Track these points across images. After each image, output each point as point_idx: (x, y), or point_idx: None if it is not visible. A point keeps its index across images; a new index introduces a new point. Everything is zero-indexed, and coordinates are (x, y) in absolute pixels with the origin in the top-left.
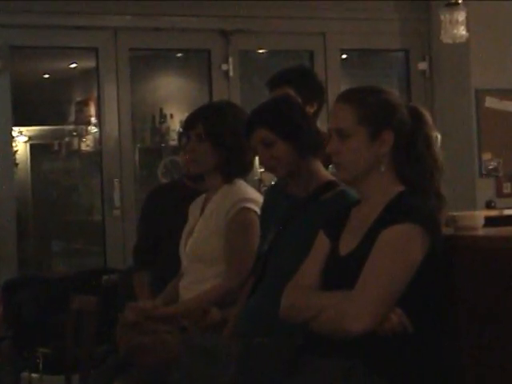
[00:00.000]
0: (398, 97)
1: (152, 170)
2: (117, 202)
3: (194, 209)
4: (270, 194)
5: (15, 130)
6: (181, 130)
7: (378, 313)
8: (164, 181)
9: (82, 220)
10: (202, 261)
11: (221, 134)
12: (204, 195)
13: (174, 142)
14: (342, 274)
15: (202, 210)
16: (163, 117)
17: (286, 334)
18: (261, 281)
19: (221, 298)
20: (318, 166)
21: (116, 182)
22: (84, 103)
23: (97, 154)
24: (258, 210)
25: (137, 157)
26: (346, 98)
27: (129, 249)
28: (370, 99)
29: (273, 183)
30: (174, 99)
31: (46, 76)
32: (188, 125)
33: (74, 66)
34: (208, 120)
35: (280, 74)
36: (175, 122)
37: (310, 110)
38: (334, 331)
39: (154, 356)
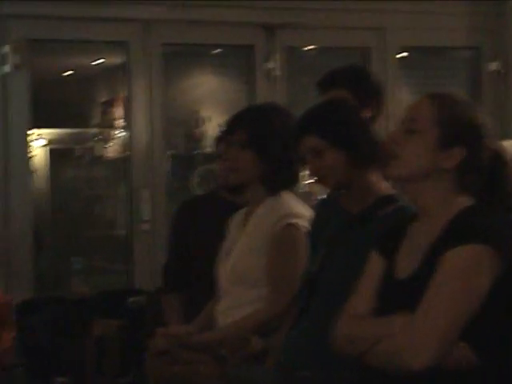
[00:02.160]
0: (487, 119)
1: (185, 179)
2: (145, 215)
3: (233, 224)
4: (321, 209)
5: (33, 133)
6: (219, 134)
7: (442, 346)
8: (198, 192)
9: (105, 235)
10: (242, 282)
11: (266, 141)
12: (245, 209)
13: (210, 149)
14: (401, 299)
15: (243, 225)
16: (198, 120)
17: (335, 367)
18: (308, 306)
19: (262, 324)
20: (376, 177)
21: (145, 192)
22: (110, 104)
23: (124, 161)
24: (306, 226)
25: (168, 165)
26: (434, 96)
27: (158, 268)
28: (459, 108)
29: (324, 197)
30: (211, 101)
31: (69, 73)
32: (229, 129)
33: (99, 62)
34: (252, 125)
35: (333, 73)
36: (212, 127)
37: (367, 114)
38: (392, 366)
39: None
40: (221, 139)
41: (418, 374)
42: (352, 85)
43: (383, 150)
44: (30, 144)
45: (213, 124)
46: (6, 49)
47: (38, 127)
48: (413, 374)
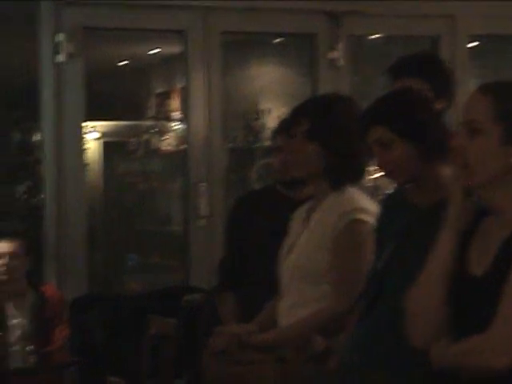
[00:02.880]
0: None
1: (244, 173)
2: (203, 210)
3: (296, 220)
4: (388, 204)
5: (86, 126)
6: (278, 126)
7: None
8: (257, 186)
9: (161, 230)
10: (305, 280)
11: (331, 133)
12: (307, 204)
13: (269, 143)
14: (477, 296)
15: (306, 221)
16: (258, 113)
17: (404, 367)
18: (374, 304)
19: (326, 323)
20: (445, 171)
21: (202, 186)
22: (166, 95)
23: (180, 155)
24: (372, 221)
25: (226, 158)
26: (487, 89)
27: (215, 265)
28: None
29: (391, 191)
30: (271, 92)
31: (123, 63)
32: (292, 120)
33: (155, 51)
34: (316, 115)
35: (406, 60)
36: (272, 119)
37: (438, 106)
38: (472, 366)
39: None
40: (279, 131)
41: (498, 374)
42: (426, 74)
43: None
44: (84, 137)
45: (272, 116)
46: (61, 37)
47: (92, 119)
48: (493, 374)
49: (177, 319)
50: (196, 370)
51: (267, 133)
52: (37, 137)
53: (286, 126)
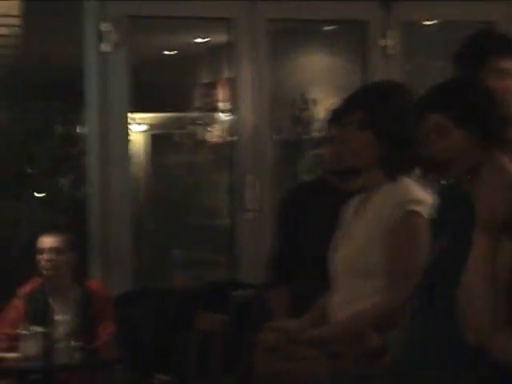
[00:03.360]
0: None
1: (292, 165)
2: (250, 203)
3: (347, 212)
4: (444, 195)
5: (133, 118)
6: (331, 115)
7: None
8: (306, 179)
9: (207, 224)
10: (358, 274)
11: (385, 121)
12: (360, 195)
13: (318, 134)
14: None
15: (358, 212)
16: (306, 103)
17: (463, 365)
18: (430, 299)
19: (380, 319)
20: (505, 160)
21: (250, 179)
22: (212, 86)
23: (228, 147)
24: (428, 213)
25: (275, 150)
26: None
27: (264, 259)
28: None
29: (447, 181)
30: (320, 82)
31: (168, 53)
32: (345, 109)
33: (201, 40)
34: (370, 103)
35: (480, 42)
36: (320, 110)
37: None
38: None
39: None
40: (332, 121)
41: None
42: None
43: None
44: (129, 128)
45: (322, 107)
46: (105, 26)
47: (137, 111)
48: None
49: (225, 315)
50: (246, 366)
51: (316, 124)
52: (81, 128)
53: (338, 116)
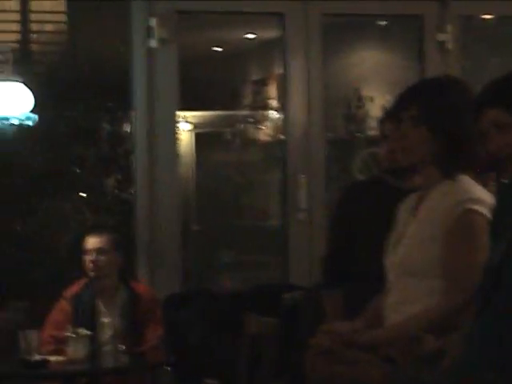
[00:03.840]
0: None
1: (345, 164)
2: (302, 203)
3: (403, 210)
4: (505, 193)
5: (178, 116)
6: (386, 112)
7: None
8: (359, 178)
9: (257, 225)
10: (414, 274)
11: (441, 117)
12: (416, 194)
13: (372, 132)
14: None
15: (414, 212)
16: (360, 100)
17: None
18: (490, 301)
19: (437, 321)
20: None
21: (301, 178)
22: (263, 83)
23: (278, 145)
24: (487, 212)
25: (327, 148)
26: None
27: (315, 261)
28: None
29: (507, 180)
30: (375, 78)
31: (217, 49)
32: (400, 105)
33: (252, 36)
34: (426, 99)
35: None
36: (375, 107)
37: None
38: None
39: None
40: (387, 118)
41: None
42: None
43: None
44: (177, 127)
45: (376, 104)
46: (153, 22)
47: (184, 109)
48: None
49: (276, 318)
50: (297, 371)
51: (370, 122)
52: (128, 127)
53: (393, 112)
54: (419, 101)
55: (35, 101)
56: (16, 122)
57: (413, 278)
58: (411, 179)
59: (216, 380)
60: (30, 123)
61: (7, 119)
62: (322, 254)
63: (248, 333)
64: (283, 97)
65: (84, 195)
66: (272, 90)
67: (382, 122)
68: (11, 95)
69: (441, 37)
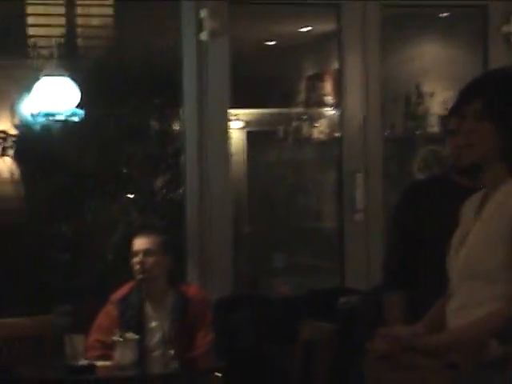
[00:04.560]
0: None
1: (404, 163)
2: (359, 204)
3: (467, 210)
4: None
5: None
6: (451, 107)
7: None
8: (419, 177)
9: (312, 227)
10: (479, 277)
11: (507, 111)
12: (481, 192)
13: (433, 129)
14: None
15: (479, 211)
16: (420, 96)
17: None
18: None
19: (502, 326)
20: None
21: (358, 178)
22: (318, 78)
23: (334, 143)
24: None
25: (385, 146)
26: None
27: (374, 263)
28: None
29: None
30: (436, 73)
31: (270, 43)
32: (463, 99)
33: (306, 29)
34: (491, 92)
35: None
36: (436, 104)
37: None
38: None
39: None
40: (451, 113)
41: None
42: None
43: None
44: (229, 125)
45: (436, 100)
46: (204, 13)
47: (235, 106)
48: None
49: (332, 323)
50: (355, 378)
51: (431, 119)
52: (178, 125)
53: (457, 107)
54: (484, 94)
55: (81, 98)
56: (61, 119)
57: (477, 282)
58: (477, 177)
59: None
60: (76, 119)
61: (52, 115)
62: (379, 257)
63: (302, 339)
64: (339, 93)
65: (132, 196)
66: (327, 86)
67: (446, 117)
68: (56, 90)
69: (506, 28)
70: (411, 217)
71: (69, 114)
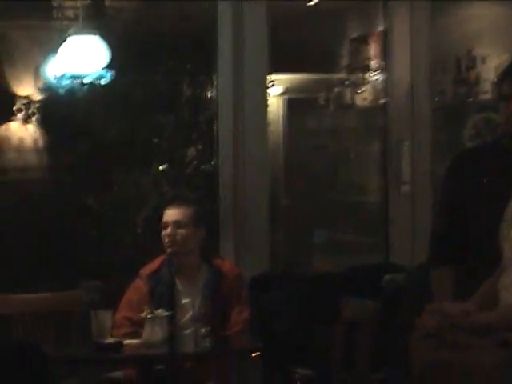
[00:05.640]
0: None
1: (453, 131)
2: (405, 175)
3: None
4: None
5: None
6: (504, 70)
7: None
8: (471, 145)
9: (355, 200)
10: None
11: None
12: None
13: (486, 96)
14: None
15: None
16: (472, 60)
17: None
18: None
19: None
20: None
21: (405, 147)
22: (362, 41)
23: (379, 111)
24: None
25: (433, 114)
26: None
27: (420, 238)
28: None
29: None
30: (489, 36)
31: (311, 3)
32: None
33: None
34: None
35: None
36: (489, 68)
37: None
38: None
39: (463, 379)
40: (505, 77)
41: None
42: None
43: None
44: (267, 92)
45: (489, 65)
46: None
47: (273, 72)
48: None
49: (376, 301)
50: (401, 358)
51: (483, 84)
52: (211, 92)
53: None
54: None
55: (109, 62)
56: (88, 81)
57: None
58: None
59: (307, 369)
60: (104, 82)
61: (79, 78)
62: (426, 232)
63: (344, 318)
64: (385, 57)
65: (162, 167)
66: (372, 50)
67: (499, 83)
68: (83, 51)
69: None
70: (460, 187)
71: (96, 76)
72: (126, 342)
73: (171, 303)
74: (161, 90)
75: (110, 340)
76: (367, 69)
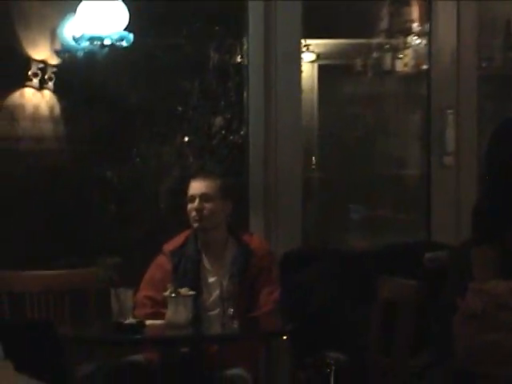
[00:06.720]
0: None
1: (501, 100)
2: (449, 146)
3: None
4: None
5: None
6: None
7: None
8: None
9: (394, 173)
10: None
11: None
12: None
13: None
14: None
15: None
16: None
17: None
18: None
19: None
20: None
21: (448, 117)
22: (403, 2)
23: (421, 78)
24: None
25: (480, 82)
26: None
27: (465, 215)
28: None
29: None
30: None
31: None
32: None
33: None
34: None
35: None
36: None
37: None
38: None
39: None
40: None
41: None
42: None
43: None
44: (301, 58)
45: None
46: None
47: (306, 36)
48: None
49: (417, 281)
50: (443, 340)
51: None
52: (240, 57)
53: None
54: None
55: (131, 24)
56: (108, 43)
57: None
58: None
59: (341, 353)
60: (125, 44)
61: (98, 39)
62: (471, 207)
63: (382, 298)
64: (428, 19)
65: (187, 137)
66: (414, 11)
67: None
68: (102, 11)
69: None
70: (506, 157)
71: (116, 37)
72: (148, 322)
73: (196, 281)
74: (186, 54)
75: (130, 320)
76: (409, 32)
